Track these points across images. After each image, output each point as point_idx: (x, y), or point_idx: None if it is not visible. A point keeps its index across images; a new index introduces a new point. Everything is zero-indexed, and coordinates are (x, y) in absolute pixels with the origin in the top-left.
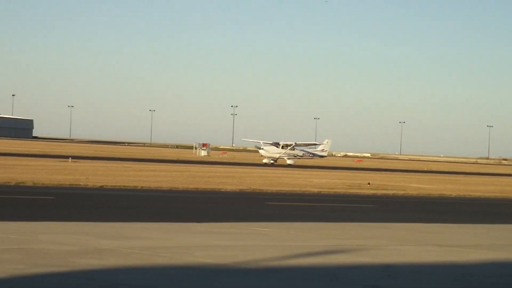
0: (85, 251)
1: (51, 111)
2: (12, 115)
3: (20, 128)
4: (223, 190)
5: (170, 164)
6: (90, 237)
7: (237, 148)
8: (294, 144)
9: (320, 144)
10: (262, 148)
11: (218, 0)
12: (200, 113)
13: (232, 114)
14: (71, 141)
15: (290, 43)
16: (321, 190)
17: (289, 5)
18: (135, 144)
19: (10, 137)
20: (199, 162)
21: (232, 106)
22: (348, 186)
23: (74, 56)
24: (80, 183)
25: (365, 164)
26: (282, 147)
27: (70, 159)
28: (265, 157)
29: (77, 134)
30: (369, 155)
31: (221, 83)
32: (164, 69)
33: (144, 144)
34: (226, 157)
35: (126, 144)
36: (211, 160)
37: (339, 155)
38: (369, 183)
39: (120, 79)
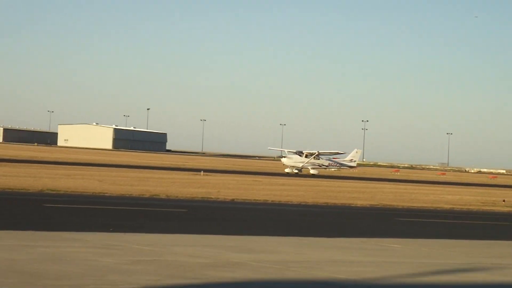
0: (217, 264)
1: (184, 125)
2: (147, 129)
3: (154, 142)
4: (353, 205)
5: (301, 178)
6: (222, 250)
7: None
8: (317, 153)
9: (342, 153)
10: (285, 157)
11: None
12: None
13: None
14: (203, 154)
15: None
16: (453, 206)
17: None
18: (266, 158)
19: (145, 150)
20: (329, 176)
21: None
22: (482, 203)
23: (207, 72)
24: (212, 196)
25: (499, 180)
26: (306, 156)
27: (202, 173)
28: (287, 166)
29: (209, 148)
30: (504, 171)
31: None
32: (290, 84)
33: (274, 158)
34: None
35: (257, 158)
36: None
37: (472, 171)
38: (504, 200)
39: (252, 94)
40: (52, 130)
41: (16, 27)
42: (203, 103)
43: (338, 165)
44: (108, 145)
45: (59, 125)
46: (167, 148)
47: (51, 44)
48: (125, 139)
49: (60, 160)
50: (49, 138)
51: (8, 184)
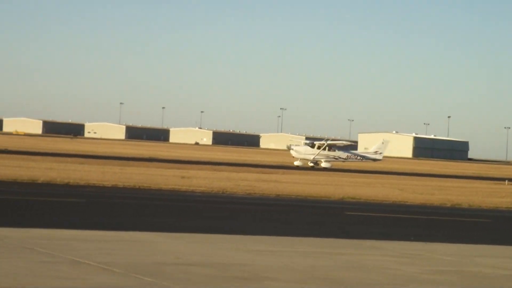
0: None
1: (486, 133)
2: (447, 137)
3: (455, 150)
4: None
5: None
6: None
7: None
8: (325, 144)
9: (350, 144)
10: (293, 149)
11: None
12: None
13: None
14: (507, 163)
15: None
16: None
17: None
18: None
19: (445, 159)
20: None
21: None
22: None
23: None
24: None
25: None
26: (318, 148)
27: (506, 182)
28: (297, 158)
29: None
30: None
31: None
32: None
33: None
34: None
35: None
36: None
37: None
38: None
39: None
40: (352, 139)
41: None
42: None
43: (359, 157)
44: (408, 153)
45: (359, 134)
46: (469, 156)
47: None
48: (425, 148)
49: (359, 169)
50: (349, 147)
51: (310, 192)
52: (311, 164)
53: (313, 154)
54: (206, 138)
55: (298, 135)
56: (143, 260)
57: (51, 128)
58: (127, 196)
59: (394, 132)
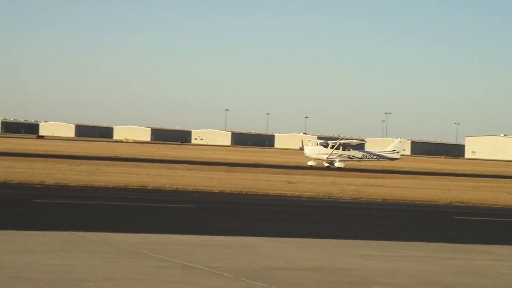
0: None
1: None
2: None
3: None
4: None
5: None
6: None
7: None
8: (338, 144)
9: (362, 142)
10: (305, 149)
11: None
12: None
13: None
14: None
15: None
16: None
17: None
18: None
19: None
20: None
21: None
22: None
23: None
24: None
25: None
26: (332, 147)
27: None
28: (311, 158)
29: None
30: None
31: None
32: None
33: None
34: None
35: None
36: None
37: None
38: None
39: None
40: (459, 142)
41: None
42: None
43: (375, 157)
44: None
45: (466, 137)
46: None
47: None
48: None
49: (467, 173)
50: (456, 150)
51: (417, 196)
52: (326, 164)
53: (326, 154)
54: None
55: (404, 138)
56: (252, 265)
57: (159, 135)
58: (234, 202)
59: (502, 135)
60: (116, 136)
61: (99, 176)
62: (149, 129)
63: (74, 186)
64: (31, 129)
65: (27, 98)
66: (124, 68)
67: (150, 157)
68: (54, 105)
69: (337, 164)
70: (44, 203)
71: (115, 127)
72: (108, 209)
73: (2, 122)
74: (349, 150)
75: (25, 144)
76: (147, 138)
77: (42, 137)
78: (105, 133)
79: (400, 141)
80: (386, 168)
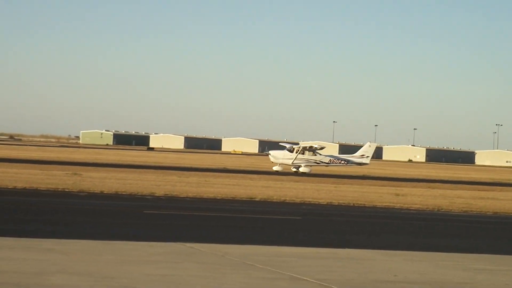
0: None
1: None
2: None
3: None
4: None
5: None
6: None
7: None
8: (302, 148)
9: (319, 148)
10: (270, 154)
11: None
12: None
13: None
14: None
15: None
16: None
17: None
18: None
19: None
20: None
21: None
22: None
23: None
24: None
25: None
26: (298, 152)
27: None
28: (275, 164)
29: None
30: None
31: None
32: None
33: None
34: None
35: None
36: None
37: None
38: None
39: None
40: None
41: None
42: None
43: (343, 162)
44: None
45: None
46: None
47: None
48: None
49: None
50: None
51: None
52: (294, 170)
53: (292, 159)
54: (419, 155)
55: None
56: (361, 278)
57: (269, 146)
58: (341, 214)
59: None
60: (225, 148)
61: (208, 187)
62: (257, 141)
63: (183, 197)
64: (141, 141)
65: (138, 111)
66: (234, 82)
67: (257, 169)
68: (164, 117)
69: (301, 169)
70: (154, 214)
71: (223, 139)
72: (216, 220)
73: (114, 134)
74: (315, 155)
75: (136, 155)
76: (255, 149)
77: (152, 149)
78: (214, 145)
79: (369, 146)
80: (497, 181)
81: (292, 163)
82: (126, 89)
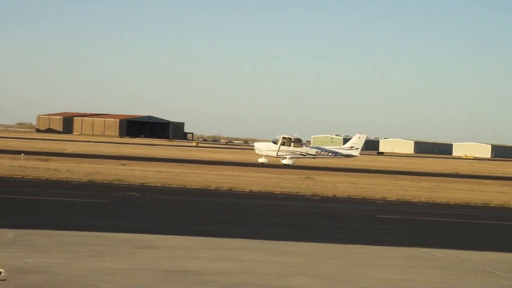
0: None
1: None
2: None
3: None
4: None
5: None
6: None
7: None
8: (281, 139)
9: (297, 140)
10: (254, 145)
11: None
12: None
13: None
14: None
15: None
16: None
17: None
18: None
19: None
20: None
21: None
22: None
23: None
24: None
25: None
26: (284, 144)
27: None
28: (260, 156)
29: None
30: None
31: None
32: None
33: None
34: None
35: None
36: None
37: None
38: None
39: None
40: None
41: None
42: None
43: (330, 154)
44: None
45: None
46: None
47: None
48: None
49: None
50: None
51: None
52: (284, 162)
53: (275, 151)
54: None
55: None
56: None
57: (501, 152)
58: None
59: None
60: (456, 152)
61: (440, 192)
62: (489, 145)
63: (415, 202)
64: (371, 145)
65: (370, 116)
66: (460, 86)
67: (491, 174)
68: (393, 122)
69: (285, 161)
70: (387, 219)
71: (454, 144)
72: (451, 226)
73: (344, 139)
74: (301, 147)
75: (366, 160)
76: (487, 154)
77: (382, 153)
78: (444, 149)
79: (359, 137)
80: None
81: (277, 155)
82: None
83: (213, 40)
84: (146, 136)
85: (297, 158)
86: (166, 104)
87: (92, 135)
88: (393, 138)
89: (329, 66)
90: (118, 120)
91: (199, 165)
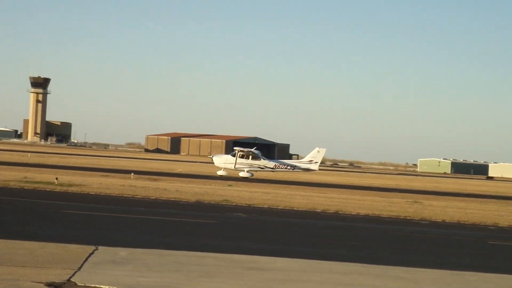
0: None
1: None
2: None
3: None
4: None
5: None
6: None
7: None
8: (237, 152)
9: (255, 154)
10: (213, 158)
11: None
12: None
13: None
14: None
15: None
16: None
17: None
18: None
19: None
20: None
21: None
22: None
23: None
24: None
25: None
26: (242, 156)
27: None
28: (220, 168)
29: None
30: None
31: None
32: None
33: None
34: None
35: None
36: None
37: None
38: None
39: None
40: None
41: None
42: None
43: (289, 167)
44: None
45: None
46: None
47: None
48: None
49: None
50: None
51: None
52: (244, 175)
53: (233, 163)
54: None
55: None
56: None
57: None
58: None
59: None
60: None
61: None
62: None
63: None
64: (480, 170)
65: (477, 140)
66: None
67: None
68: (503, 146)
69: (242, 174)
70: (500, 245)
71: None
72: None
73: (452, 162)
74: (259, 160)
75: (475, 185)
76: None
77: (491, 178)
78: None
79: (318, 151)
80: None
81: (235, 167)
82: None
83: (316, 67)
84: None
85: (255, 171)
86: (272, 125)
87: (199, 155)
88: (503, 162)
89: (441, 90)
90: (224, 141)
91: (304, 187)
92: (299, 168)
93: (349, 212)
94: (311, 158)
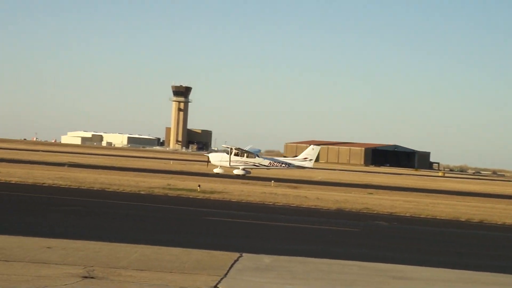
0: None
1: None
2: None
3: None
4: None
5: None
6: None
7: None
8: (231, 149)
9: (245, 151)
10: (208, 155)
11: None
12: None
13: None
14: None
15: None
16: None
17: None
18: None
19: None
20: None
21: None
22: None
23: None
24: None
25: None
26: (237, 154)
27: None
28: (216, 166)
29: None
30: None
31: None
32: None
33: None
34: None
35: None
36: None
37: None
38: None
39: None
40: None
41: None
42: None
43: (283, 165)
44: None
45: None
46: None
47: None
48: None
49: None
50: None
51: None
52: (241, 173)
53: (228, 161)
54: None
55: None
56: None
57: None
58: None
59: None
60: None
61: None
62: None
63: None
64: None
65: None
66: None
67: None
68: None
69: (235, 171)
70: None
71: None
72: None
73: None
74: (254, 157)
75: None
76: None
77: None
78: None
79: (313, 149)
80: None
81: (230, 165)
82: None
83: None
84: (391, 165)
85: (251, 168)
86: (412, 133)
87: (338, 163)
88: None
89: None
90: (363, 148)
91: (447, 195)
92: (294, 165)
93: (494, 221)
94: (306, 155)
